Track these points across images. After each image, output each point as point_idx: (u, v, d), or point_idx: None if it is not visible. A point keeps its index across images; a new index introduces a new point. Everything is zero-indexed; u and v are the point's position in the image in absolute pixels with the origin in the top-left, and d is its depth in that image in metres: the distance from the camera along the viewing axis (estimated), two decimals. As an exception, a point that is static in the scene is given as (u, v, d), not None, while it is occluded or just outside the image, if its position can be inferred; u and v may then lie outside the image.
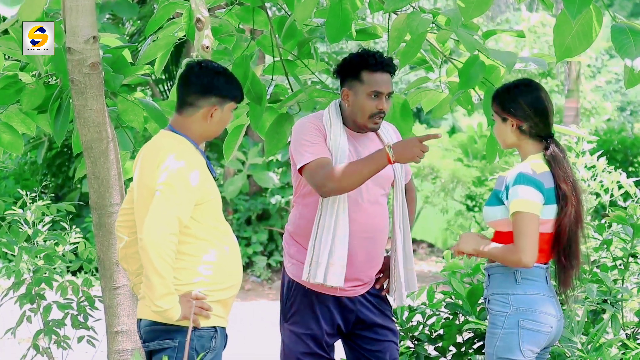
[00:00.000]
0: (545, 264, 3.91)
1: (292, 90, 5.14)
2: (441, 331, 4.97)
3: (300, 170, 4.24)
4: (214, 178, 3.84)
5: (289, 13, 5.13)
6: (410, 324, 5.01)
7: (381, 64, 4.27)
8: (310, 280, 4.24)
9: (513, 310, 3.83)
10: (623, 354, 4.48)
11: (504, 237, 3.90)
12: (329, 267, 4.22)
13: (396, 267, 4.42)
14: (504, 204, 3.86)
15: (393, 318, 4.53)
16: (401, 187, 4.45)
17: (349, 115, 4.33)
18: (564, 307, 4.09)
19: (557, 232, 3.89)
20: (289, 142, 4.52)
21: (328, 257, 4.22)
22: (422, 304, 5.09)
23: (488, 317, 3.96)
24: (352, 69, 4.31)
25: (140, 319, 3.78)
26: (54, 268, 5.99)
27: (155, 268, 3.52)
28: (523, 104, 3.91)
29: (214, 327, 3.73)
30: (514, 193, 3.80)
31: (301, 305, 4.37)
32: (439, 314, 5.03)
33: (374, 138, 4.42)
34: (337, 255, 4.22)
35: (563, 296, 4.00)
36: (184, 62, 4.20)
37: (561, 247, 3.90)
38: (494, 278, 3.92)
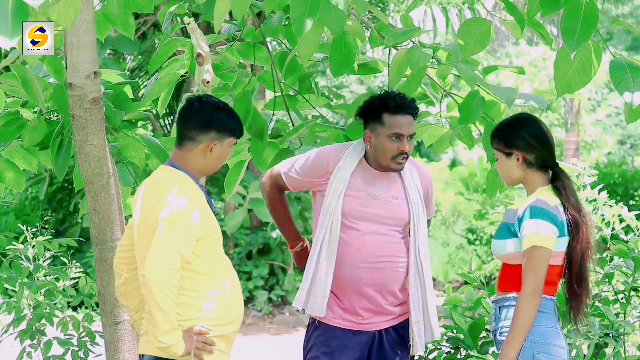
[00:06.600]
0: (553, 296, 3.89)
1: (293, 125, 5.15)
2: (443, 366, 4.95)
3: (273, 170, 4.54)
4: (214, 213, 3.84)
5: (290, 48, 5.15)
6: (412, 358, 4.99)
7: (402, 106, 4.31)
8: (295, 306, 4.32)
9: (529, 342, 3.77)
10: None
11: (512, 270, 3.87)
12: (310, 295, 4.29)
13: (410, 313, 4.38)
14: (516, 237, 3.83)
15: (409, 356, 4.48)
16: (416, 231, 4.38)
17: (371, 156, 4.37)
18: (569, 340, 4.06)
19: (569, 259, 3.86)
20: None
21: (310, 285, 4.29)
22: (423, 339, 5.06)
23: (498, 350, 3.89)
24: (373, 111, 4.35)
25: (143, 355, 3.76)
26: (55, 303, 5.97)
27: (158, 304, 3.50)
28: (526, 136, 3.90)
29: (217, 362, 3.71)
30: (529, 227, 3.77)
31: (317, 341, 4.37)
32: (441, 348, 5.01)
33: (396, 180, 4.43)
34: (318, 284, 4.29)
35: (576, 325, 3.96)
36: (185, 97, 4.21)
37: (574, 275, 3.87)
38: (505, 310, 3.88)
